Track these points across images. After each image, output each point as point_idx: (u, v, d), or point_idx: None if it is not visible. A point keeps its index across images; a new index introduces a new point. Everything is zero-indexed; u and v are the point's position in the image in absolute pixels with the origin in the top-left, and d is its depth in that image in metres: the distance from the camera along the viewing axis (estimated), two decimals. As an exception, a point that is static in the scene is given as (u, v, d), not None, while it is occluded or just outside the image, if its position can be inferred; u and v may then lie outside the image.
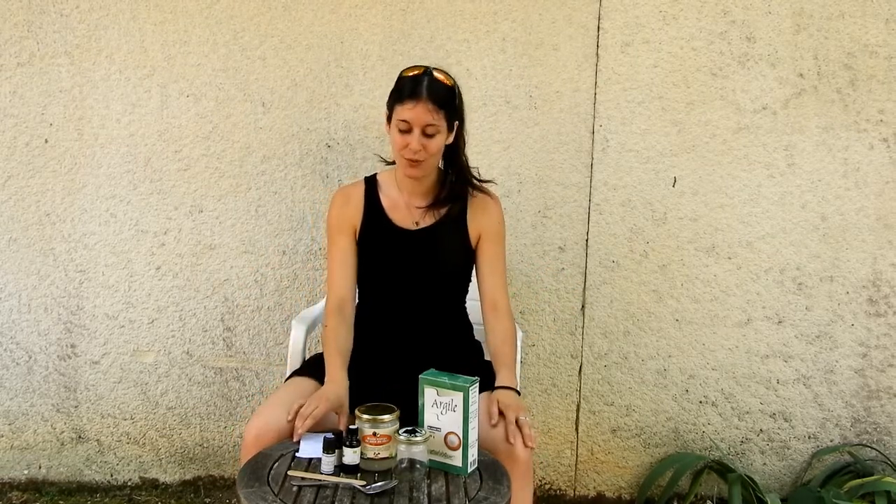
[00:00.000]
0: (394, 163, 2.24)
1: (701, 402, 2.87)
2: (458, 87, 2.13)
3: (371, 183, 2.24)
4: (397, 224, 2.18)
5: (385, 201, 2.20)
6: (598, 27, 2.74)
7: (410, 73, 2.09)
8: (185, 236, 2.83)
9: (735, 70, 2.74)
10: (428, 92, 2.03)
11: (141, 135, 2.79)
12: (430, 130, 2.04)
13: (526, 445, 1.89)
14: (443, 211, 2.18)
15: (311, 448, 1.86)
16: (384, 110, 2.13)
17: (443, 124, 2.06)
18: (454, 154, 2.18)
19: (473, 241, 2.20)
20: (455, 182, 2.19)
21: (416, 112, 2.02)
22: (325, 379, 2.01)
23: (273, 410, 1.96)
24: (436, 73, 2.08)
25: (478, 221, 2.20)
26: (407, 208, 2.19)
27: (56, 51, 2.75)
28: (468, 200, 2.21)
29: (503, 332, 2.16)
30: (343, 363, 2.06)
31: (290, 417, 1.91)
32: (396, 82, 2.10)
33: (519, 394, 2.06)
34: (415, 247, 2.16)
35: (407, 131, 2.04)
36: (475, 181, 2.22)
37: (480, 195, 2.22)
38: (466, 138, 2.22)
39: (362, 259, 2.21)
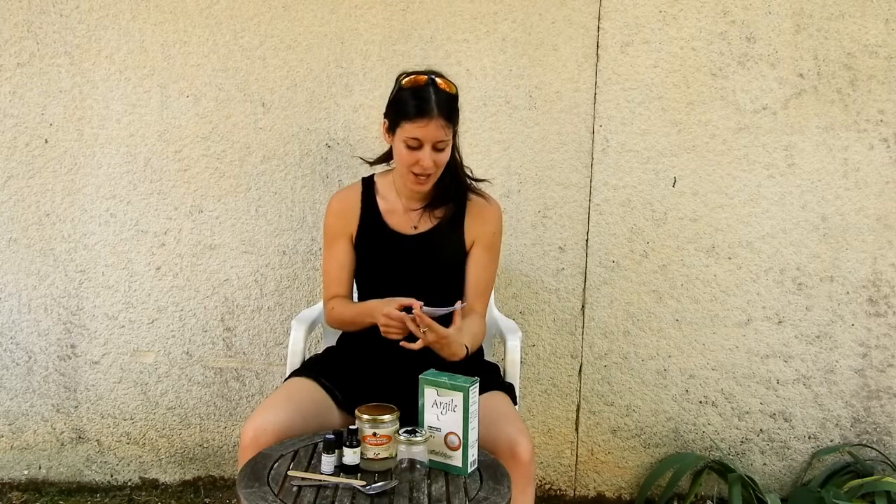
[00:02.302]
0: (379, 160, 2.24)
1: (701, 402, 2.87)
2: (458, 92, 2.11)
3: (368, 185, 2.24)
4: (394, 229, 2.18)
5: (382, 204, 2.20)
6: (598, 27, 2.74)
7: (414, 84, 2.03)
8: (185, 236, 2.83)
9: (735, 70, 2.74)
10: (438, 108, 1.99)
11: (141, 135, 2.79)
12: (440, 146, 2.03)
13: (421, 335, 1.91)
14: (440, 215, 2.18)
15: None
16: (383, 112, 2.12)
17: (451, 137, 2.06)
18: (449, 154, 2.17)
19: (469, 243, 2.19)
20: (450, 182, 2.18)
21: (427, 130, 1.99)
22: (367, 309, 2.07)
23: (270, 411, 1.95)
24: (439, 83, 2.03)
25: (474, 228, 2.18)
26: (404, 212, 2.19)
27: (56, 51, 2.75)
28: (467, 204, 2.20)
29: (470, 325, 2.12)
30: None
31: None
32: (399, 92, 2.05)
33: (468, 352, 2.02)
34: (411, 251, 2.16)
35: (416, 148, 2.02)
36: (469, 180, 2.22)
37: (480, 200, 2.21)
38: (460, 139, 2.21)
39: (360, 263, 2.21)
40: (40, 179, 2.81)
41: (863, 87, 2.74)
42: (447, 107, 2.02)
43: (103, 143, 2.79)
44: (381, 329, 1.97)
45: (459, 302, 1.97)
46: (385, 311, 1.95)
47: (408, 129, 2.01)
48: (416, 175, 2.06)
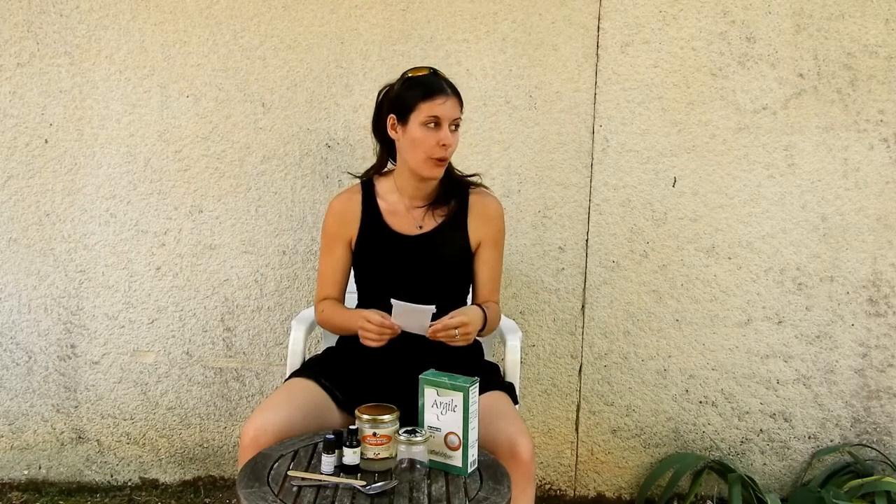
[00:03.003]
0: (368, 172, 2.23)
1: (701, 402, 2.87)
2: None
3: (368, 187, 2.24)
4: (396, 230, 2.18)
5: (383, 206, 2.20)
6: (598, 27, 2.74)
7: (421, 73, 2.10)
8: (185, 236, 2.83)
9: (735, 70, 2.74)
10: (450, 88, 2.07)
11: (141, 135, 2.79)
12: (456, 124, 2.08)
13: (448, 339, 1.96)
14: (442, 214, 2.18)
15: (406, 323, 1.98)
16: (384, 115, 2.13)
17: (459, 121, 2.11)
18: None
19: (474, 243, 2.20)
20: (449, 178, 2.19)
21: (447, 107, 2.04)
22: (353, 316, 2.07)
23: (270, 412, 1.96)
24: (441, 74, 2.12)
25: (479, 228, 2.19)
26: (407, 212, 2.19)
27: (56, 51, 2.75)
28: (468, 201, 2.20)
29: (493, 307, 2.19)
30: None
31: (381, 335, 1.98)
32: (406, 83, 2.09)
33: (486, 317, 2.08)
34: (415, 252, 2.16)
35: (436, 126, 2.05)
36: (463, 177, 2.23)
37: (481, 197, 2.22)
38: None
39: (362, 266, 2.22)
40: (40, 179, 2.81)
41: (863, 87, 2.74)
42: (457, 90, 2.10)
43: (103, 143, 2.79)
44: (360, 334, 2.00)
45: (433, 306, 1.97)
46: (364, 315, 1.98)
47: (425, 109, 2.04)
48: (436, 159, 2.07)
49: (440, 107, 2.03)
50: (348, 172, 2.36)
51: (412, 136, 2.07)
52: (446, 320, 1.96)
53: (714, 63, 2.74)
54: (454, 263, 2.19)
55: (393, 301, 1.96)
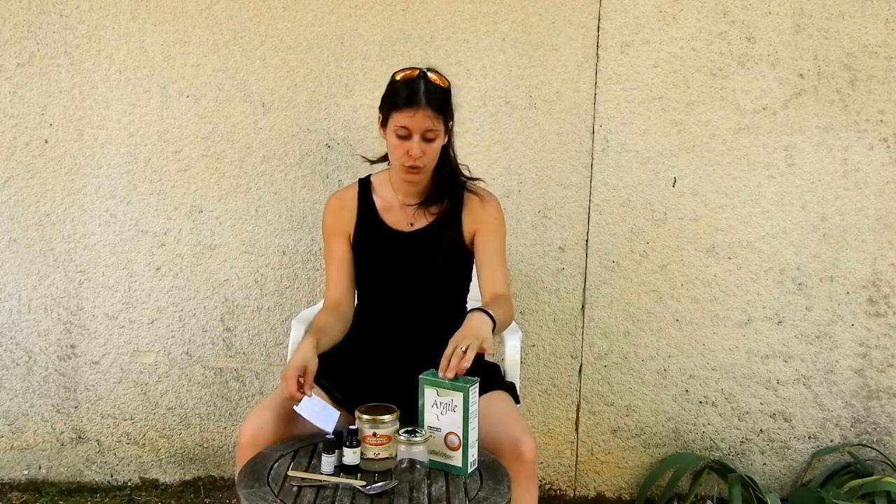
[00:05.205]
0: (381, 160, 2.24)
1: (701, 402, 2.87)
2: (451, 87, 2.12)
3: (365, 184, 2.24)
4: (391, 226, 2.18)
5: (379, 202, 2.20)
6: (598, 27, 2.74)
7: (405, 77, 2.05)
8: (185, 236, 2.83)
9: (735, 70, 2.74)
10: (427, 99, 2.01)
11: (141, 135, 2.79)
12: (429, 135, 2.04)
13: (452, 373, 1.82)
14: (437, 211, 2.18)
15: (309, 408, 1.87)
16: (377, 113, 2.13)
17: (441, 128, 2.06)
18: (443, 150, 2.17)
19: (468, 238, 2.19)
20: (446, 179, 2.18)
21: (415, 119, 2.01)
22: (302, 344, 1.99)
23: (268, 411, 1.95)
24: (431, 76, 2.05)
25: (473, 218, 2.18)
26: (401, 209, 2.19)
27: (56, 51, 2.75)
28: (464, 199, 2.20)
29: (501, 300, 2.09)
30: (314, 336, 2.00)
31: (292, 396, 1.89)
32: (390, 85, 2.08)
33: (493, 321, 1.94)
34: (409, 248, 2.16)
35: (406, 137, 2.04)
36: (464, 178, 2.22)
37: (475, 192, 2.21)
38: (455, 137, 2.21)
39: (358, 262, 2.22)
40: (40, 179, 2.81)
41: (863, 87, 2.74)
42: (437, 99, 2.04)
43: (103, 143, 2.79)
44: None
45: (337, 413, 1.92)
46: (284, 372, 1.90)
47: (397, 119, 2.03)
48: (407, 167, 2.06)
49: (409, 119, 2.00)
50: (360, 155, 2.35)
51: (388, 142, 2.08)
52: (447, 352, 1.84)
53: (714, 63, 2.74)
54: (447, 262, 2.19)
55: (303, 399, 1.89)
